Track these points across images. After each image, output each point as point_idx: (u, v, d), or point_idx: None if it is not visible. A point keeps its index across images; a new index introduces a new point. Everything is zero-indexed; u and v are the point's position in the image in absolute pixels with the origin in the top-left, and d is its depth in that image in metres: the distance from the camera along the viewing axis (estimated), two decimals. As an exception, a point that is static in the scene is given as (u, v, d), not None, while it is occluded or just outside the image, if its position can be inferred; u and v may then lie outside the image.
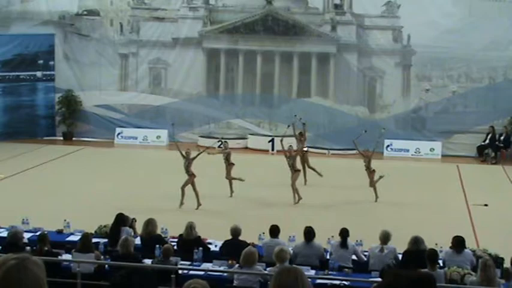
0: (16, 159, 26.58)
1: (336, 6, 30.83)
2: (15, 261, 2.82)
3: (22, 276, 2.76)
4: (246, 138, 30.49)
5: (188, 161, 19.84)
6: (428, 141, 29.90)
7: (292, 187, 20.59)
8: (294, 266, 5.86)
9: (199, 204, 19.69)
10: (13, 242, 12.78)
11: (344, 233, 13.42)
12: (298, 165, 21.55)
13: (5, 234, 13.95)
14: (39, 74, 31.58)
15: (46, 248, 12.43)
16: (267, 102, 31.43)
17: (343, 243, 13.33)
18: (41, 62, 31.51)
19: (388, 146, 29.65)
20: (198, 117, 31.73)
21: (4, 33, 31.89)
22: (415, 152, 29.62)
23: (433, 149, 29.62)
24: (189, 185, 19.76)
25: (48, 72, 31.69)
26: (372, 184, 21.17)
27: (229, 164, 21.34)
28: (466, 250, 12.93)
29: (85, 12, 32.49)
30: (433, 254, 11.79)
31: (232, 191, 21.13)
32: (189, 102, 31.74)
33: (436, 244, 13.22)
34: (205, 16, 31.63)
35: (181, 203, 19.72)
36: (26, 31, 31.90)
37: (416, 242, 12.84)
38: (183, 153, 20.01)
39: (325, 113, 30.92)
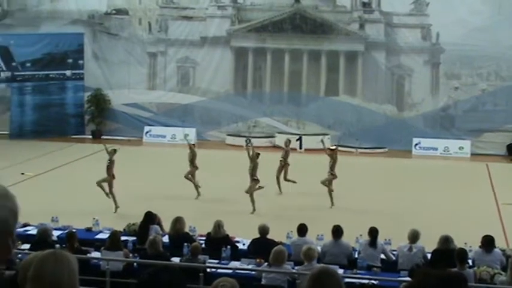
0: (46, 157, 26.76)
1: (364, 4, 30.72)
2: (51, 254, 2.84)
3: (57, 269, 2.79)
4: (274, 137, 30.44)
5: (254, 164, 19.76)
6: (457, 139, 29.68)
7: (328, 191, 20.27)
8: (331, 267, 5.83)
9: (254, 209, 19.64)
10: (42, 239, 12.90)
11: (373, 232, 13.37)
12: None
13: (34, 231, 14.06)
14: (68, 72, 31.77)
15: (75, 245, 12.51)
16: (294, 100, 31.39)
17: (373, 242, 13.28)
18: (70, 61, 31.69)
19: (416, 144, 29.50)
20: (225, 116, 31.76)
21: (34, 33, 32.14)
22: (444, 151, 29.42)
23: (462, 148, 29.40)
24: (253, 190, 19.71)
25: (77, 71, 31.87)
26: (324, 183, 20.47)
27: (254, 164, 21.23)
28: (495, 249, 12.84)
29: (114, 11, 32.66)
30: (463, 254, 11.71)
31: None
32: (217, 100, 31.79)
33: (466, 243, 13.12)
34: (233, 15, 31.65)
35: (254, 210, 19.56)
36: (56, 30, 32.12)
37: (446, 241, 12.76)
38: (250, 155, 19.93)
39: (353, 111, 30.83)
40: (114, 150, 20.00)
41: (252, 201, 19.48)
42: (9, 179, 18.73)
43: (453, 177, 25.14)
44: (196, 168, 21.06)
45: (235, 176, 21.29)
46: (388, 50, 30.57)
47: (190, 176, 21.04)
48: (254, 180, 19.63)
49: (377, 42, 30.57)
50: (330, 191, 20.19)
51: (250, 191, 19.54)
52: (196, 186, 20.95)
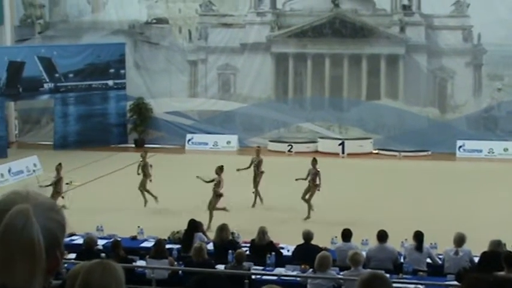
0: (89, 166, 26.98)
1: (404, 7, 30.56)
2: (98, 264, 2.85)
3: (105, 279, 2.80)
4: (316, 142, 30.38)
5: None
6: (502, 141, 29.36)
7: None
8: (382, 272, 5.78)
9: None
10: (88, 248, 12.99)
11: (419, 236, 13.26)
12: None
13: (80, 241, 14.17)
14: (110, 82, 32.04)
15: (121, 254, 12.58)
16: (336, 105, 31.29)
17: (419, 246, 13.17)
18: (112, 70, 31.96)
19: (460, 146, 29.23)
20: (267, 122, 31.77)
21: (76, 44, 32.49)
22: (489, 153, 29.11)
23: (507, 149, 29.05)
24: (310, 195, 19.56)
25: (119, 81, 32.12)
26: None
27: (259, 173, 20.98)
28: (544, 252, 12.64)
29: (154, 21, 32.89)
30: (510, 257, 11.55)
31: (255, 201, 20.93)
32: (258, 107, 31.82)
33: (512, 247, 12.96)
34: (272, 21, 31.67)
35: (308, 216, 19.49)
36: (97, 41, 32.44)
37: (499, 244, 12.58)
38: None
39: (395, 114, 30.66)
40: (145, 152, 21.09)
41: (309, 206, 19.35)
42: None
43: (498, 179, 24.83)
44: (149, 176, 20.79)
45: (279, 182, 21.25)
46: (429, 53, 30.35)
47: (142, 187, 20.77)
48: (315, 185, 19.35)
49: (418, 44, 30.37)
50: (309, 202, 19.67)
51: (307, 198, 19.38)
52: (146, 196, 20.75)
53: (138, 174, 20.82)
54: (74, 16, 33.26)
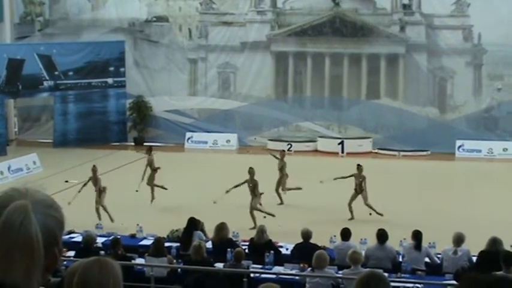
0: (89, 164, 26.89)
1: (405, 6, 30.55)
2: (95, 262, 2.85)
3: (102, 276, 2.80)
4: (316, 141, 30.39)
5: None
6: (502, 141, 29.36)
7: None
8: (380, 271, 5.79)
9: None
10: (87, 246, 13.00)
11: (418, 235, 13.27)
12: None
13: (79, 239, 14.18)
14: (110, 80, 32.04)
15: (119, 252, 12.59)
16: (336, 104, 31.29)
17: (417, 246, 13.17)
18: (111, 68, 31.95)
19: (459, 146, 29.23)
20: (267, 121, 31.77)
21: (76, 41, 32.48)
22: (488, 153, 29.11)
23: (507, 149, 29.05)
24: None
25: (119, 79, 32.12)
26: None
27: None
28: (542, 252, 12.65)
29: (154, 19, 32.88)
30: (509, 256, 11.56)
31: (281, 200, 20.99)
32: (258, 105, 31.81)
33: (511, 246, 12.96)
34: (273, 19, 31.68)
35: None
36: (97, 38, 32.45)
37: (494, 242, 12.59)
38: None
39: (394, 114, 30.66)
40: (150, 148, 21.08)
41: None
42: (53, 186, 18.92)
43: (498, 179, 24.85)
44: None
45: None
46: (429, 52, 30.35)
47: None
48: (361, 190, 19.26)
49: (418, 44, 30.37)
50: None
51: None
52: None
53: (154, 170, 20.74)
54: (73, 14, 33.25)
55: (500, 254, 11.74)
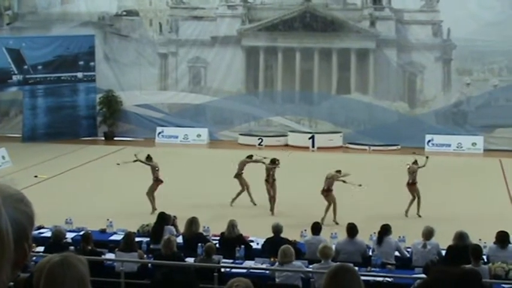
0: (58, 159, 26.83)
1: (375, 1, 30.65)
2: (60, 258, 2.85)
3: (66, 273, 2.80)
4: (286, 136, 30.44)
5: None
6: (470, 135, 29.58)
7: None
8: (349, 264, 5.82)
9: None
10: (56, 241, 12.93)
11: (383, 229, 13.36)
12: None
13: (48, 234, 14.09)
14: (80, 75, 31.85)
15: (89, 247, 12.55)
16: (306, 99, 31.35)
17: (380, 240, 13.24)
18: (81, 63, 31.77)
19: (429, 141, 29.41)
20: (238, 115, 31.76)
21: (45, 35, 32.24)
22: (457, 147, 29.33)
23: (475, 144, 29.29)
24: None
25: (88, 73, 31.94)
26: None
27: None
28: (510, 245, 12.82)
29: (124, 13, 32.72)
30: (477, 250, 11.69)
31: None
32: (228, 100, 31.79)
33: (480, 240, 13.09)
34: (243, 14, 31.65)
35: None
36: (67, 32, 32.24)
37: (461, 237, 12.71)
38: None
39: (365, 109, 30.78)
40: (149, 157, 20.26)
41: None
42: (22, 181, 18.80)
43: (467, 173, 25.06)
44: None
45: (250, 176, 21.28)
46: (399, 47, 30.49)
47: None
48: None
49: (388, 39, 30.50)
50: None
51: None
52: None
53: (157, 180, 19.86)
54: (43, 7, 32.98)
55: (469, 248, 11.86)
